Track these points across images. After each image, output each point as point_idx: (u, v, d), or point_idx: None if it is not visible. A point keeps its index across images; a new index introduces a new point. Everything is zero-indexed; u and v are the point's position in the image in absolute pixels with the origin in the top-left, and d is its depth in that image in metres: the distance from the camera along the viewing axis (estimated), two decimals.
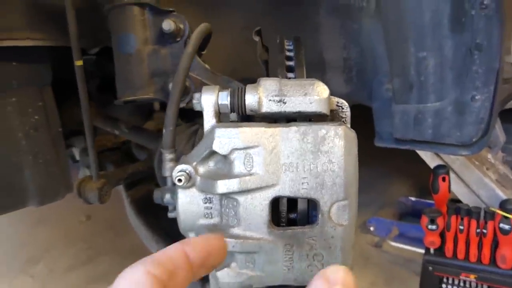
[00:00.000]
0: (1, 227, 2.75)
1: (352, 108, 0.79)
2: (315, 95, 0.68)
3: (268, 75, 0.96)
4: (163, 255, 0.42)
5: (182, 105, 0.92)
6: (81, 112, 1.14)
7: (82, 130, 1.17)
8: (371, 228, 2.42)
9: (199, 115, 0.72)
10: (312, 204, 0.68)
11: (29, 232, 2.77)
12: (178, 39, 0.96)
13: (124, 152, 1.81)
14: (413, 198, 2.61)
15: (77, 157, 1.80)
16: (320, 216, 0.66)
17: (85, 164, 1.67)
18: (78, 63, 1.04)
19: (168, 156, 0.77)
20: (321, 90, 0.69)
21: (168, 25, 0.92)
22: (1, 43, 1.03)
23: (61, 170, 1.29)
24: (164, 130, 0.78)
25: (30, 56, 1.14)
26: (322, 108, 0.68)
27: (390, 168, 3.11)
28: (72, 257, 2.45)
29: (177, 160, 0.76)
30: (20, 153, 1.19)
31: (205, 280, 0.75)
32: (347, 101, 0.77)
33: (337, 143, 0.65)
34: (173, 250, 0.43)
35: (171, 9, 0.96)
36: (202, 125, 0.72)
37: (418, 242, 2.11)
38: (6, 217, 1.24)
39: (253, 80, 0.73)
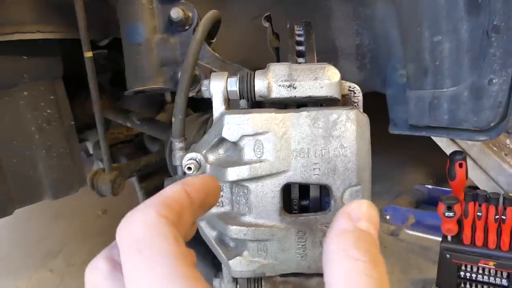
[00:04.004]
0: (19, 222, 2.79)
1: (366, 95, 0.77)
2: (325, 79, 0.67)
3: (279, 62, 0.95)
4: (168, 196, 0.39)
5: (192, 94, 0.91)
6: (92, 105, 1.14)
7: (96, 124, 1.17)
8: (387, 217, 2.40)
9: (211, 106, 0.71)
10: (325, 190, 0.67)
11: (47, 226, 2.80)
12: (187, 27, 0.95)
13: (137, 145, 1.81)
14: (429, 186, 2.58)
15: (91, 150, 1.81)
16: (332, 202, 0.65)
17: (99, 158, 1.67)
18: (88, 54, 1.03)
19: (178, 145, 0.76)
20: (332, 74, 0.67)
21: (176, 13, 0.91)
22: (11, 37, 1.03)
23: (75, 163, 1.30)
24: (173, 119, 0.77)
25: (40, 49, 1.14)
26: (333, 92, 0.67)
27: (405, 156, 3.08)
28: (90, 250, 2.47)
29: (187, 149, 0.75)
30: (33, 147, 1.20)
31: (217, 269, 0.74)
32: (360, 89, 0.76)
33: (349, 128, 0.63)
34: (177, 191, 0.40)
35: None
36: (212, 113, 0.71)
37: (435, 230, 2.09)
38: (24, 212, 1.25)
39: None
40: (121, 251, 0.35)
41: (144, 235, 0.35)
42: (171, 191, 0.40)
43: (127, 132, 1.80)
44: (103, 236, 2.58)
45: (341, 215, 0.40)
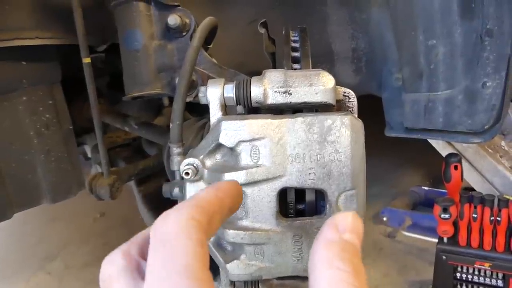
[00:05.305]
0: (17, 225, 2.78)
1: (363, 98, 0.78)
2: (320, 85, 0.68)
3: (275, 67, 0.96)
4: (203, 200, 0.42)
5: (189, 99, 0.92)
6: (90, 109, 1.15)
7: (94, 128, 1.18)
8: (384, 219, 2.41)
9: (208, 110, 0.72)
10: (320, 195, 0.68)
11: (45, 229, 2.80)
12: (184, 33, 0.96)
13: (135, 148, 1.82)
14: (426, 188, 2.59)
15: (89, 154, 1.81)
16: (328, 206, 0.66)
17: (97, 161, 1.68)
18: (86, 60, 1.04)
19: (175, 150, 0.78)
20: (327, 80, 0.69)
21: (173, 20, 0.92)
22: (10, 43, 1.04)
23: (73, 167, 1.30)
24: (171, 125, 0.78)
25: (39, 55, 1.15)
26: (328, 98, 0.68)
27: (402, 159, 3.09)
28: (88, 253, 2.47)
29: (185, 154, 0.76)
30: (32, 151, 1.21)
31: (215, 272, 0.75)
32: (356, 92, 0.77)
33: (343, 133, 0.65)
34: (211, 195, 0.44)
35: (176, 3, 0.96)
36: (209, 118, 0.72)
37: (431, 231, 2.09)
38: (22, 215, 1.26)
39: (261, 74, 0.73)
40: (151, 242, 0.39)
41: (172, 232, 0.38)
42: (206, 195, 0.44)
43: (125, 136, 1.80)
44: (102, 239, 2.58)
45: (328, 226, 0.43)
